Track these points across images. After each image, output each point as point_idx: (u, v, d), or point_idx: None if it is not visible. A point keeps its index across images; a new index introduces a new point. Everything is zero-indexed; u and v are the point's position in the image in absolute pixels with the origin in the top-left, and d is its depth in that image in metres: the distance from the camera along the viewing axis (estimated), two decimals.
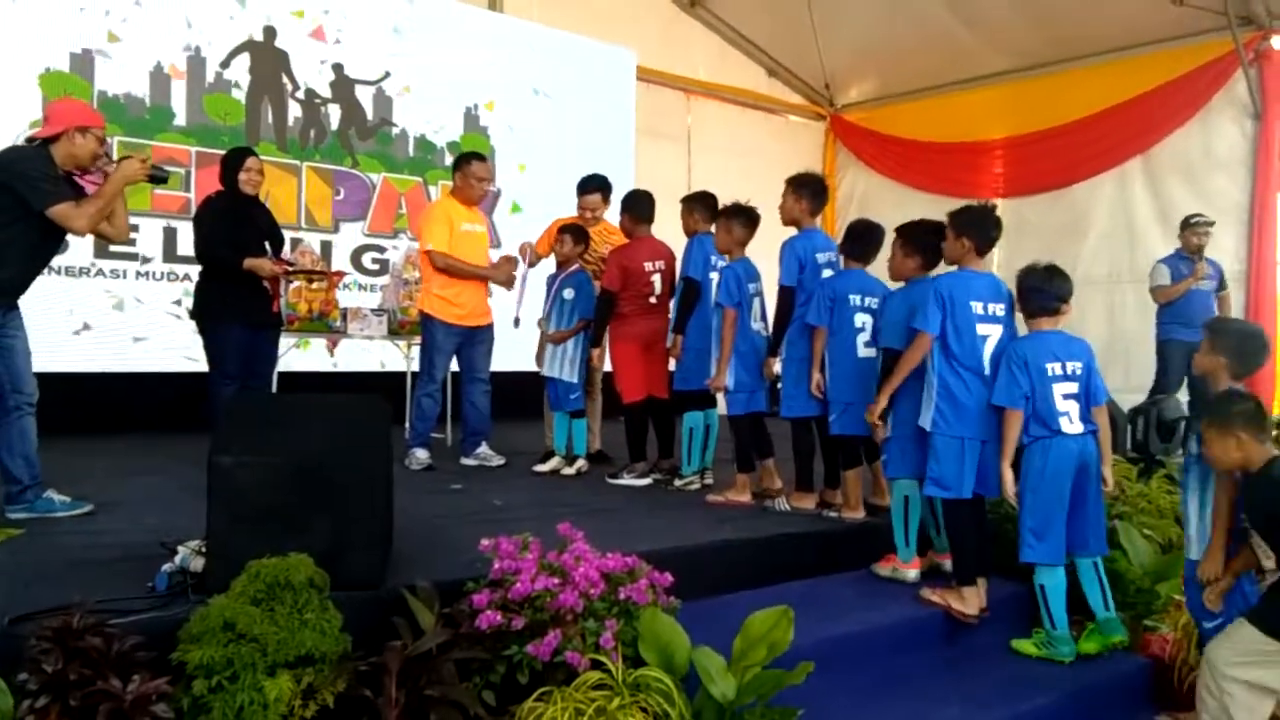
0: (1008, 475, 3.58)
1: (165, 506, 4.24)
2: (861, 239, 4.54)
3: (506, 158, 8.36)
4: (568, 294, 5.54)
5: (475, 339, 5.61)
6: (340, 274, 6.26)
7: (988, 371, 3.71)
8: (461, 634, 2.68)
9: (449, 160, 7.89)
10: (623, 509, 4.50)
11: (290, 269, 5.40)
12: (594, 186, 5.92)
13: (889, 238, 4.42)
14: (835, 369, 4.48)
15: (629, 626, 2.67)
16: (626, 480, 5.25)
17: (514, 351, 6.10)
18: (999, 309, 3.79)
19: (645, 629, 2.60)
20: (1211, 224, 6.94)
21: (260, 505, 2.85)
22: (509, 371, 6.19)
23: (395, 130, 7.78)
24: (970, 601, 3.66)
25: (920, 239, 4.16)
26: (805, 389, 4.59)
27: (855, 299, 4.45)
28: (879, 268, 4.52)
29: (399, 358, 6.74)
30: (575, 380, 5.47)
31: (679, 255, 5.36)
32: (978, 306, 3.73)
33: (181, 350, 6.29)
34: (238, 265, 4.85)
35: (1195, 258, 6.84)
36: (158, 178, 3.97)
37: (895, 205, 9.89)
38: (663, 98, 10.00)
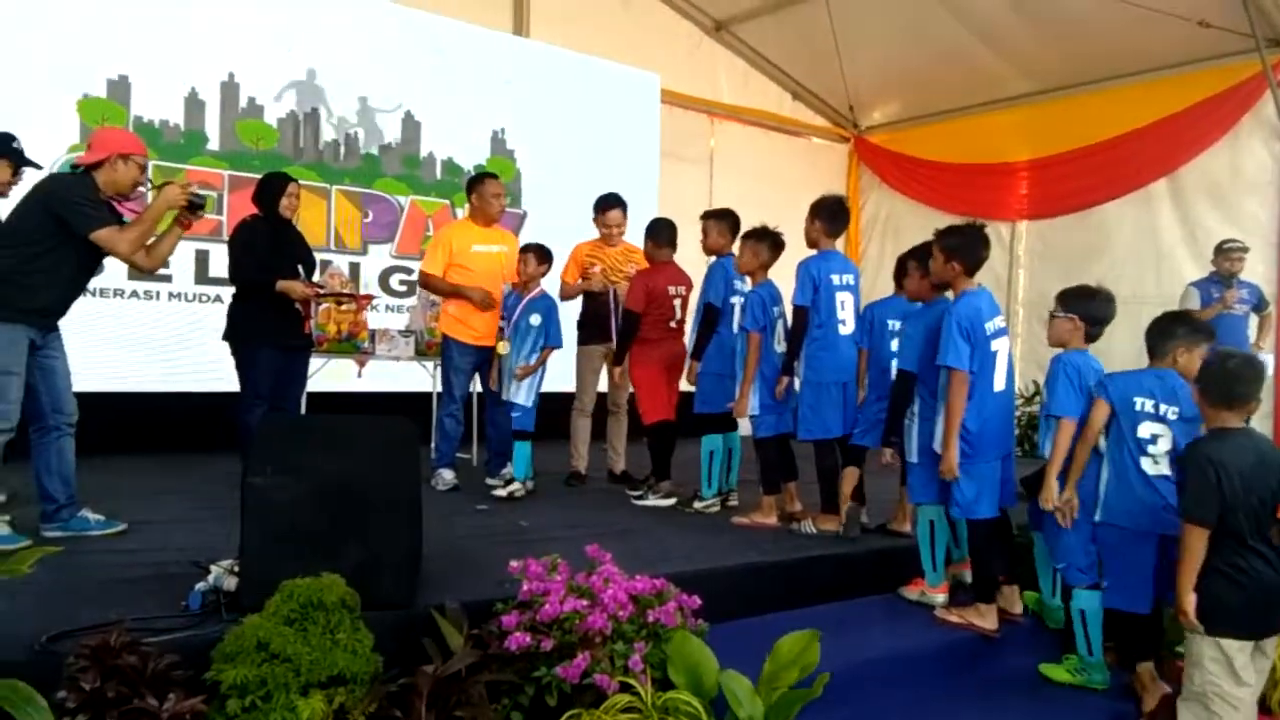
0: (1052, 486, 3.57)
1: (196, 526, 4.30)
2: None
3: (532, 180, 8.43)
4: (534, 320, 5.40)
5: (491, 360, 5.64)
6: (369, 297, 6.34)
7: (1002, 386, 3.73)
8: (490, 655, 2.70)
9: None
10: (649, 531, 4.51)
11: (321, 292, 5.47)
12: (615, 202, 5.96)
13: None
14: (871, 389, 4.62)
15: (657, 649, 2.68)
16: (653, 501, 5.27)
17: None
18: (1001, 321, 3.83)
19: (674, 652, 2.61)
20: (1246, 250, 6.90)
21: (292, 526, 2.89)
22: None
23: (423, 154, 7.87)
24: (989, 618, 3.69)
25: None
26: (824, 409, 4.63)
27: (894, 324, 4.58)
28: None
29: (425, 379, 6.79)
30: (530, 405, 5.39)
31: (698, 279, 5.40)
32: (990, 327, 3.74)
33: (211, 371, 6.37)
34: (271, 287, 4.92)
35: (1227, 282, 6.78)
36: (196, 204, 4.06)
37: (920, 228, 9.85)
38: (686, 121, 10.06)
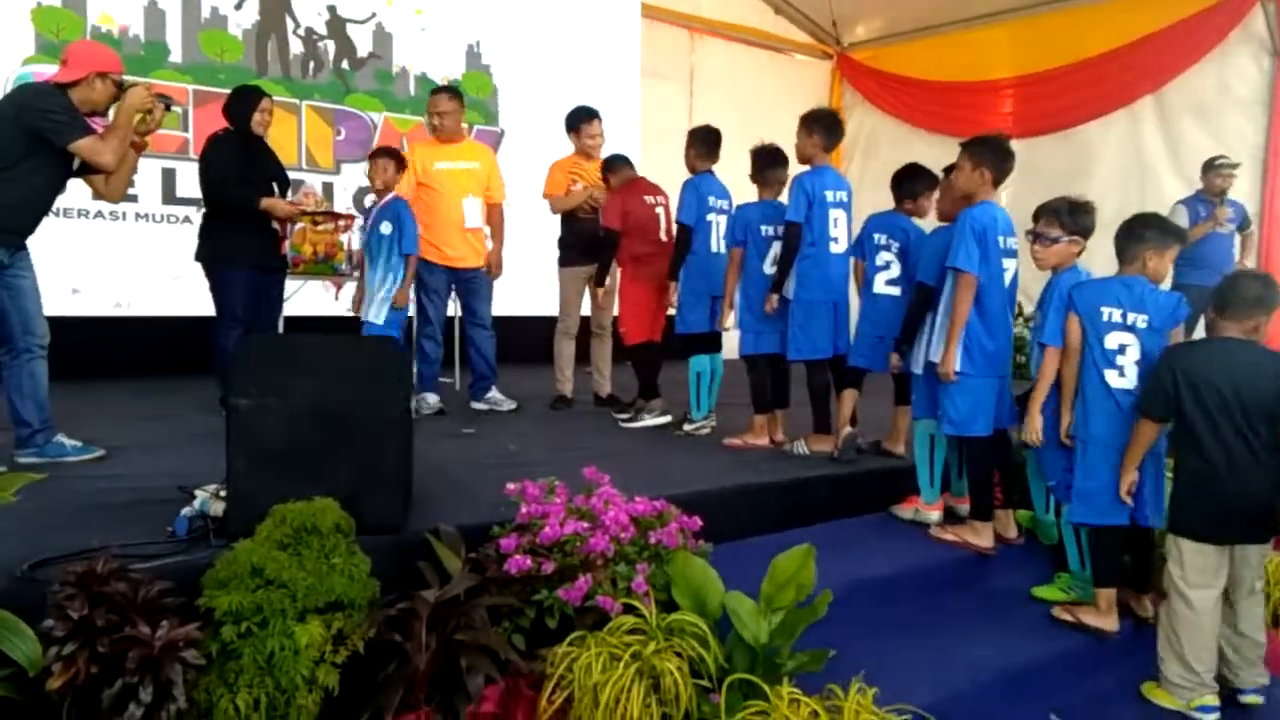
0: (1035, 417, 3.52)
1: (176, 452, 4.20)
2: (901, 181, 4.59)
3: (509, 97, 8.17)
4: (385, 228, 5.02)
5: (469, 283, 5.54)
6: (351, 217, 6.14)
7: (1005, 305, 3.69)
8: (489, 579, 2.65)
9: None
10: (641, 453, 4.46)
11: (305, 211, 5.29)
12: (593, 114, 5.77)
13: None
14: (862, 304, 4.55)
15: (660, 571, 2.64)
16: (648, 421, 5.21)
17: (518, 295, 6.02)
18: (1014, 242, 3.75)
19: (677, 573, 2.57)
20: (1236, 166, 6.81)
21: (279, 448, 2.80)
22: (516, 316, 6.12)
23: (395, 69, 7.58)
24: (984, 535, 3.70)
25: None
26: (814, 329, 4.57)
27: (880, 238, 4.49)
28: None
29: None
30: (383, 325, 4.95)
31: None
32: (1003, 242, 3.67)
33: (182, 293, 6.19)
34: (253, 205, 4.73)
35: (1216, 201, 6.72)
36: (168, 104, 3.85)
37: (903, 145, 9.73)
38: (665, 35, 9.74)
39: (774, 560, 2.58)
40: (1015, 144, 9.86)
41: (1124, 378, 3.34)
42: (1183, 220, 6.76)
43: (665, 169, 5.78)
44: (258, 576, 2.32)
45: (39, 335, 3.80)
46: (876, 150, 10.79)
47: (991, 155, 3.71)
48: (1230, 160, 6.85)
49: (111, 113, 3.77)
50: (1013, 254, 3.73)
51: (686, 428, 5.04)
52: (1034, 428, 3.50)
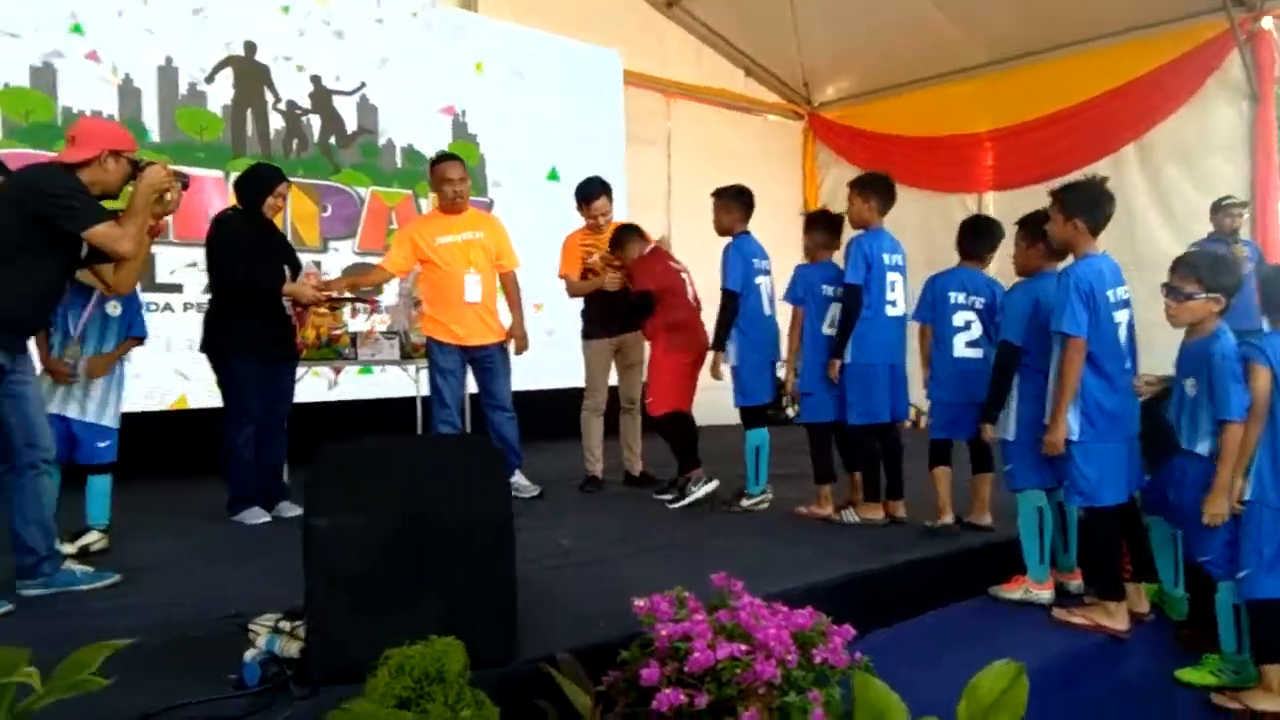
0: (1231, 490, 3.11)
1: (196, 571, 3.77)
2: (978, 237, 4.41)
3: (497, 165, 7.91)
4: (111, 309, 4.20)
5: (484, 361, 5.14)
6: (376, 301, 5.77)
7: (1128, 362, 3.44)
8: (638, 718, 2.26)
9: None
10: (707, 542, 4.10)
11: (335, 296, 4.91)
12: (600, 189, 5.49)
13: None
14: (937, 370, 4.36)
15: (828, 697, 2.28)
16: (697, 493, 4.87)
17: (539, 368, 5.68)
18: (1126, 291, 3.52)
19: (860, 699, 2.21)
20: (1245, 204, 6.82)
21: (365, 574, 2.41)
22: (536, 390, 5.76)
23: (381, 141, 7.27)
24: (1119, 617, 3.39)
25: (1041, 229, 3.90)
26: (872, 393, 4.43)
27: (958, 297, 4.30)
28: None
29: (408, 384, 6.24)
30: (110, 424, 4.22)
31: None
32: (1112, 295, 3.44)
33: (177, 387, 5.74)
34: (275, 291, 4.34)
35: (1230, 240, 6.68)
36: (184, 183, 3.48)
37: None
38: (641, 100, 9.64)
39: (974, 679, 2.24)
40: (1000, 196, 10.04)
41: None
42: None
43: (652, 231, 5.52)
44: None
45: (44, 449, 3.35)
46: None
47: (1085, 202, 3.49)
48: (1237, 200, 6.86)
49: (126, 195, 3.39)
50: (1125, 304, 3.50)
51: (744, 503, 4.75)
52: (1230, 500, 3.08)
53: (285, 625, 2.67)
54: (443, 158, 5.19)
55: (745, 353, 4.71)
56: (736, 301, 4.70)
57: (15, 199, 3.17)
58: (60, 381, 4.03)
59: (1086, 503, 3.41)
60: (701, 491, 4.84)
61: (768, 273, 4.86)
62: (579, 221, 5.54)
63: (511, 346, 5.22)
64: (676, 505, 4.85)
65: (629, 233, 5.30)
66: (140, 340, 4.35)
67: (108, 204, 3.34)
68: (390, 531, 2.42)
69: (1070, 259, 3.58)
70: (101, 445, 4.20)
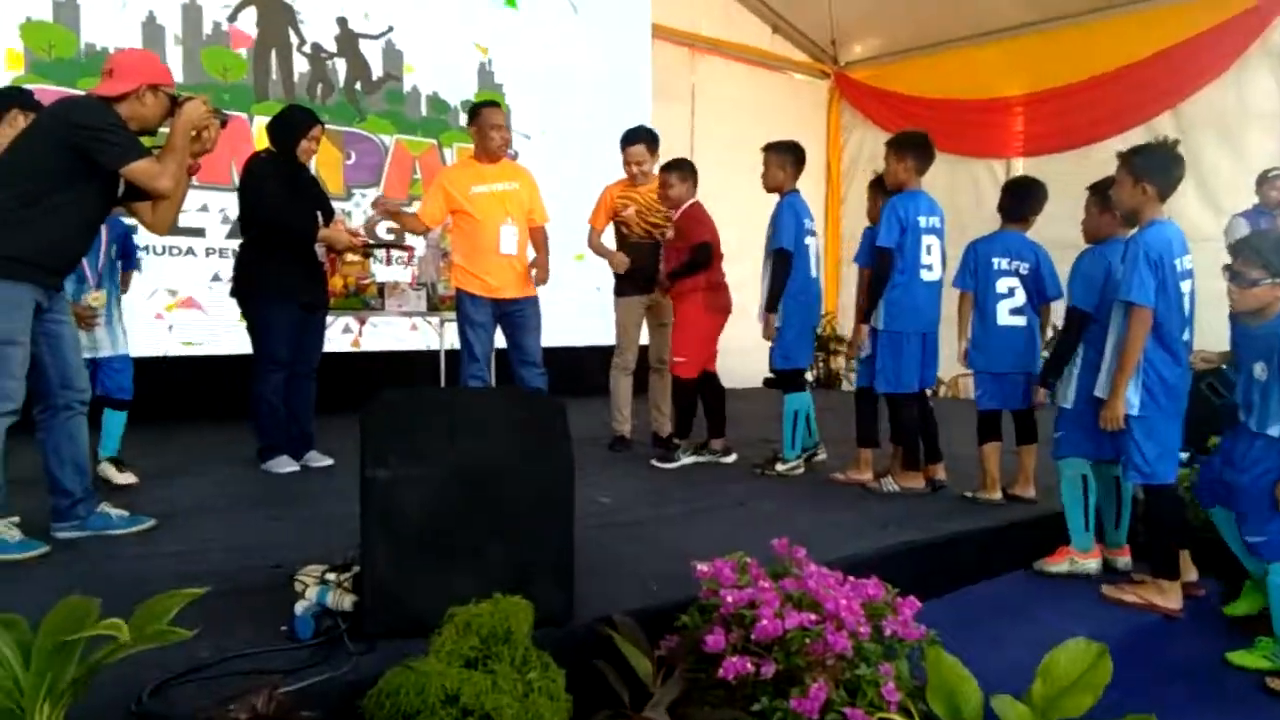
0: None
1: (228, 516, 3.72)
2: (1021, 198, 4.26)
3: (522, 115, 7.75)
4: (114, 252, 4.31)
5: (514, 316, 4.96)
6: (412, 249, 5.64)
7: (1187, 336, 3.36)
8: (693, 683, 2.21)
9: (464, 120, 7.30)
10: (753, 504, 4.05)
11: (370, 243, 4.80)
12: (639, 136, 5.35)
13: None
14: (979, 339, 4.22)
15: (899, 671, 2.22)
16: (684, 460, 4.89)
17: (569, 323, 5.59)
18: (1190, 260, 3.41)
19: (933, 674, 2.15)
20: None
21: (424, 529, 2.34)
22: (566, 347, 5.67)
23: (406, 88, 7.11)
24: (1172, 596, 3.31)
25: None
26: (903, 362, 4.34)
27: (1002, 262, 4.17)
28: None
29: (432, 336, 6.17)
30: (125, 352, 4.30)
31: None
32: (1179, 264, 3.33)
33: (204, 331, 5.65)
34: (309, 236, 4.24)
35: (1276, 213, 6.53)
36: (223, 120, 3.35)
37: None
38: (666, 55, 9.44)
39: (1050, 656, 2.18)
40: (1030, 162, 9.85)
41: None
42: (1244, 232, 6.57)
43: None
44: (451, 706, 1.84)
45: (79, 389, 3.28)
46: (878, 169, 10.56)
47: (1156, 166, 3.37)
48: None
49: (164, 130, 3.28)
50: (1190, 274, 3.40)
51: (779, 468, 4.68)
52: None
53: (333, 577, 2.62)
54: (487, 103, 5.01)
55: (790, 315, 4.61)
56: (789, 261, 4.58)
57: (51, 131, 3.06)
58: (86, 327, 4.01)
59: (1146, 480, 3.32)
60: (686, 461, 4.88)
61: (814, 234, 4.75)
62: (605, 175, 5.40)
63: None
64: (663, 465, 4.85)
65: (685, 168, 5.02)
66: (132, 272, 4.49)
67: (144, 140, 3.24)
68: (450, 484, 2.35)
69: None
70: (122, 378, 4.28)
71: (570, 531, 2.45)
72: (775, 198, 4.75)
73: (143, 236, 4.74)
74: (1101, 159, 8.89)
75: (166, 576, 2.87)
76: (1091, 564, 3.60)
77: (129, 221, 4.12)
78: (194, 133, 3.25)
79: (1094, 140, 9.09)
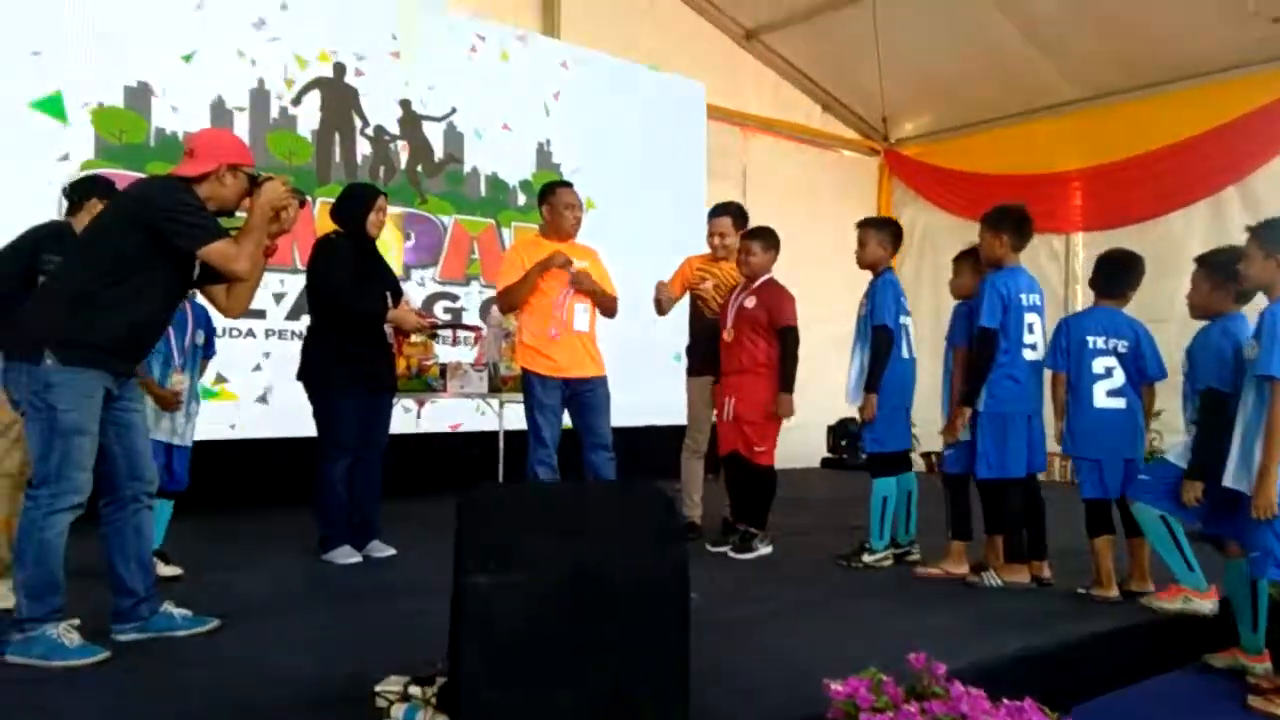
0: None
1: (297, 617, 3.52)
2: (1118, 272, 4.08)
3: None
4: (201, 338, 4.20)
5: (584, 396, 4.72)
6: (480, 329, 5.53)
7: None
8: None
9: (522, 200, 7.29)
10: (845, 602, 3.80)
11: (438, 325, 4.69)
12: (725, 209, 5.29)
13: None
14: (1073, 423, 3.98)
15: None
16: (762, 550, 4.70)
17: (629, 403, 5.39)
18: None
19: None
20: None
21: (526, 639, 2.13)
22: (626, 427, 5.45)
23: (465, 169, 7.10)
24: None
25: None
26: (1007, 445, 4.09)
27: (1097, 341, 3.96)
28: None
29: (490, 418, 6.00)
30: (189, 446, 4.19)
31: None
32: None
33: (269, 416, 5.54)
34: (379, 318, 4.13)
35: None
36: (301, 200, 3.26)
37: (961, 242, 9.29)
38: (718, 134, 9.45)
39: None
40: (1089, 237, 9.63)
41: None
42: None
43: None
44: None
45: (148, 480, 3.13)
46: (932, 249, 10.38)
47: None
48: None
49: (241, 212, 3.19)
50: None
51: (866, 559, 4.43)
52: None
53: (417, 691, 2.41)
54: (561, 183, 4.91)
55: (882, 396, 4.41)
56: (891, 339, 4.42)
57: (130, 214, 2.98)
58: (168, 409, 3.92)
59: None
60: (765, 551, 4.71)
61: (909, 313, 4.57)
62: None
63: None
64: (738, 556, 4.64)
65: (768, 238, 4.83)
66: (210, 358, 4.38)
67: (223, 222, 3.15)
68: (555, 590, 2.15)
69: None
70: (180, 467, 4.14)
71: (686, 643, 2.23)
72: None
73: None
74: (1164, 234, 8.77)
75: (236, 686, 2.67)
76: (1207, 605, 3.46)
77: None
78: (272, 213, 3.15)
79: (1155, 215, 8.91)
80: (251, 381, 6.01)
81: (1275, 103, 8.10)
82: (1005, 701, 2.15)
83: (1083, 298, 9.65)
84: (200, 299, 3.64)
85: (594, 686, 2.11)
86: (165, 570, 3.98)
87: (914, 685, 2.24)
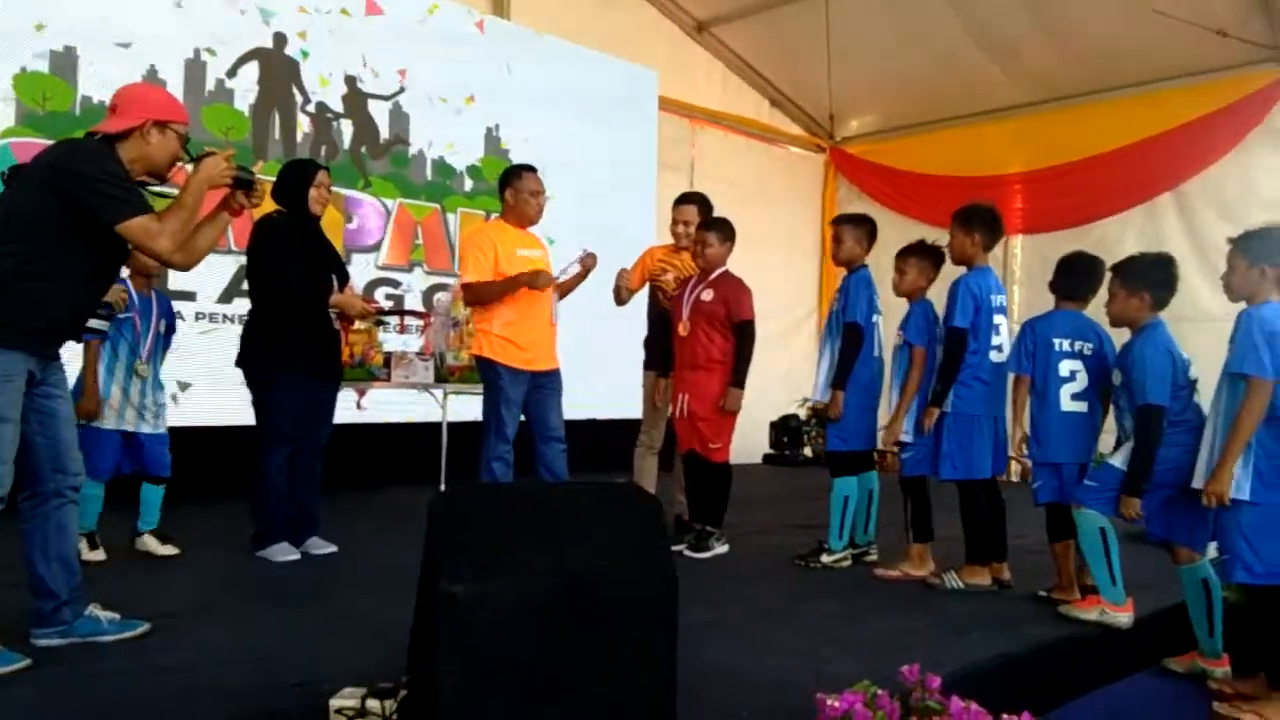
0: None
1: (230, 617, 3.31)
2: (1080, 275, 4.02)
3: None
4: (163, 326, 4.24)
5: (545, 388, 4.58)
6: (429, 315, 5.30)
7: None
8: None
9: (469, 185, 7.07)
10: (807, 604, 3.70)
11: (384, 310, 4.46)
12: (692, 197, 5.19)
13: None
14: (1038, 426, 3.92)
15: None
16: (718, 549, 4.62)
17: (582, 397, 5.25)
18: None
19: None
20: None
21: (508, 653, 1.97)
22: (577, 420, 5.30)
23: (411, 150, 6.85)
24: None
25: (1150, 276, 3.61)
26: (973, 446, 4.05)
27: (1064, 344, 3.91)
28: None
29: (434, 408, 5.79)
30: (164, 431, 4.24)
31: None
32: None
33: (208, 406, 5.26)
34: (322, 303, 3.90)
35: None
36: (244, 180, 2.97)
37: (903, 240, 9.42)
38: (666, 125, 9.34)
39: None
40: (1027, 240, 9.74)
41: None
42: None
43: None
44: None
45: (72, 474, 2.87)
46: (878, 245, 10.42)
47: (1269, 249, 3.18)
48: None
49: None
50: None
51: (824, 559, 4.36)
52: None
53: (376, 706, 2.24)
54: (525, 168, 4.70)
55: (851, 394, 4.33)
56: (862, 337, 4.34)
57: (47, 182, 2.69)
58: (90, 419, 3.88)
59: (1256, 581, 3.03)
60: (721, 550, 4.62)
61: (880, 311, 4.51)
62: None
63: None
64: (695, 554, 4.53)
65: (724, 229, 4.72)
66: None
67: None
68: (538, 601, 1.99)
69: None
70: (162, 455, 4.21)
71: (674, 656, 2.09)
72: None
73: None
74: (1099, 238, 8.90)
75: (167, 699, 2.44)
76: (1123, 618, 3.47)
77: None
78: (209, 188, 2.90)
79: (1093, 219, 9.05)
80: (179, 368, 5.69)
81: (1214, 113, 8.27)
82: (1006, 716, 2.06)
83: (1019, 300, 9.82)
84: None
85: (581, 701, 1.97)
86: (162, 550, 4.17)
87: (908, 699, 2.14)
